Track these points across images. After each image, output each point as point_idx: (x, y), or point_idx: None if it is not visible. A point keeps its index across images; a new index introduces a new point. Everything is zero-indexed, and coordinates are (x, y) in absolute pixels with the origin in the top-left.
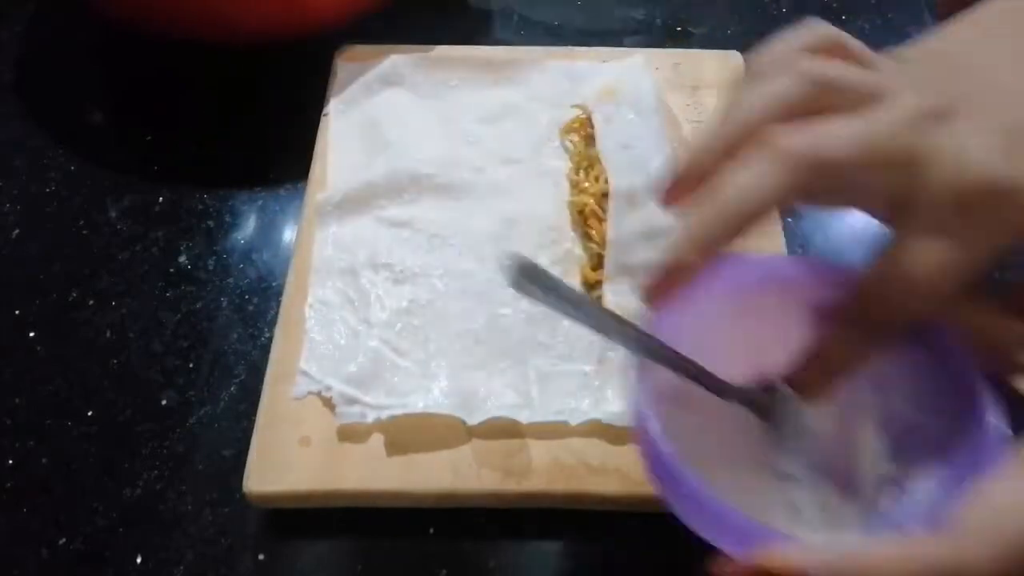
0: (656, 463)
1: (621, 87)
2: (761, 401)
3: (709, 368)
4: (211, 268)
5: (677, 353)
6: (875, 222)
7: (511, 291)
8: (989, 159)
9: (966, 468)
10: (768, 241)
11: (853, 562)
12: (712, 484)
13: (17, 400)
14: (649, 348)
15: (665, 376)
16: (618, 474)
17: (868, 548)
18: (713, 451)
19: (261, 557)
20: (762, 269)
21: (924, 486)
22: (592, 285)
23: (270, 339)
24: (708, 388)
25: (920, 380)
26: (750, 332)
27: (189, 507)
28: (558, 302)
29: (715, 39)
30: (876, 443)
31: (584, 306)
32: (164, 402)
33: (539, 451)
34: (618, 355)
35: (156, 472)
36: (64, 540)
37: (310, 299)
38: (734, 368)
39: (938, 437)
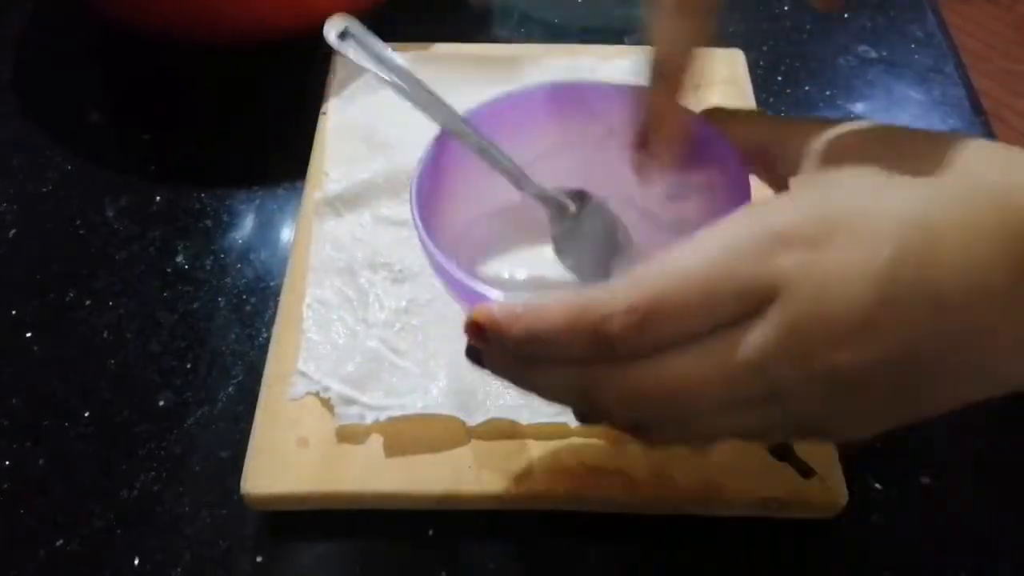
0: (421, 241)
1: None
2: (556, 203)
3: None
4: (209, 268)
5: (489, 139)
6: None
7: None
8: None
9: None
10: None
11: (530, 309)
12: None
13: (14, 401)
14: (463, 129)
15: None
16: (618, 474)
17: (547, 299)
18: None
19: (259, 559)
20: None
21: None
22: None
23: (268, 339)
24: (511, 175)
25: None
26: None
27: (186, 508)
28: (379, 68)
29: (716, 37)
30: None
31: (406, 77)
32: (161, 403)
33: (539, 452)
34: None
35: (153, 473)
36: (61, 541)
37: (308, 299)
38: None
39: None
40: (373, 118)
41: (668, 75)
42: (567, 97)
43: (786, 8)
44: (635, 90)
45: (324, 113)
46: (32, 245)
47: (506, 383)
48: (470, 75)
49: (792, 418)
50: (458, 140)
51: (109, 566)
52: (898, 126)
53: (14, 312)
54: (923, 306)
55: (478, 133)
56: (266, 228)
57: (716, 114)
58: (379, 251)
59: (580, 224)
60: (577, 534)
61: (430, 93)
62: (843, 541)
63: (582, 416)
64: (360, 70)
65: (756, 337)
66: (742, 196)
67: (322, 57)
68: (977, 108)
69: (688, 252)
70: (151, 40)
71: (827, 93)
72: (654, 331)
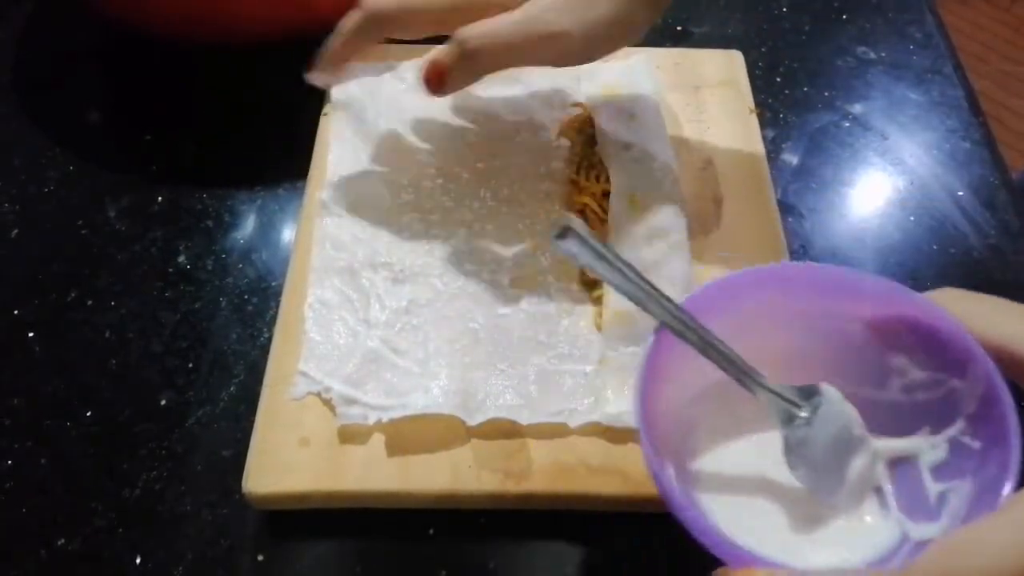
0: (662, 491)
1: (622, 87)
2: (786, 397)
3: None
4: (210, 268)
5: (711, 332)
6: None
7: (511, 291)
8: None
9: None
10: (768, 243)
11: None
12: (713, 496)
13: (16, 400)
14: (685, 323)
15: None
16: (618, 474)
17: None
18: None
19: (260, 558)
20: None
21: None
22: (592, 285)
23: (269, 339)
24: (738, 375)
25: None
26: (782, 344)
27: (188, 508)
28: (600, 264)
29: (715, 39)
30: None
31: (628, 273)
32: (163, 402)
33: (539, 452)
34: (618, 355)
35: (155, 472)
36: (63, 540)
37: (309, 299)
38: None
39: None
40: (374, 119)
41: None
42: (779, 281)
43: (785, 9)
44: (884, 286)
45: (325, 113)
46: (33, 245)
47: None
48: None
49: None
50: (678, 337)
51: (110, 565)
52: None
53: (16, 312)
54: None
55: (700, 329)
56: (267, 228)
57: (950, 299)
58: (380, 251)
59: (814, 427)
60: (577, 534)
61: (651, 287)
62: None
63: None
64: (361, 71)
65: None
66: (1000, 413)
67: None
68: (975, 109)
69: (988, 547)
70: (152, 40)
71: (826, 94)
72: None
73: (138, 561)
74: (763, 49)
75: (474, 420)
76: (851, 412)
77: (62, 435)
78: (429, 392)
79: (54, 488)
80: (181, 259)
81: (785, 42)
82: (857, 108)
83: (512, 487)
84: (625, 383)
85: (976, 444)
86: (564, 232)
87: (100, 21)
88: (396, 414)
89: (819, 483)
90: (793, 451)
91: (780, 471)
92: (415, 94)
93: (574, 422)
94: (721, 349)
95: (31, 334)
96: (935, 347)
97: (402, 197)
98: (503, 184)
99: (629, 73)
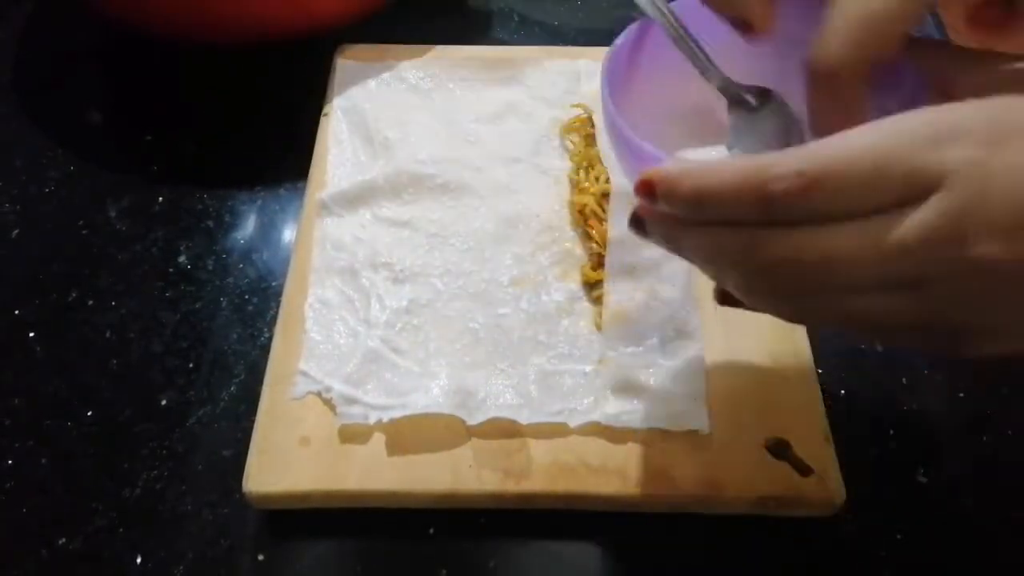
0: (605, 114)
1: None
2: (737, 95)
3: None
4: (211, 268)
5: (683, 26)
6: None
7: (511, 290)
8: None
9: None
10: None
11: (701, 167)
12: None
13: (16, 400)
14: (664, 11)
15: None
16: (618, 474)
17: (717, 161)
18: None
19: (260, 557)
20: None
21: None
22: (592, 285)
23: (270, 339)
24: (697, 58)
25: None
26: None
27: (188, 507)
28: None
29: None
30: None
31: None
32: (164, 402)
33: (539, 451)
34: (618, 355)
35: (155, 472)
36: (63, 540)
37: (310, 299)
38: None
39: None
40: (374, 119)
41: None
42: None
43: None
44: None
45: (326, 114)
46: (34, 245)
47: (665, 249)
48: (470, 76)
49: (931, 310)
50: (655, 24)
51: (111, 565)
52: None
53: (17, 312)
54: None
55: (676, 19)
56: (268, 228)
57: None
58: (380, 251)
59: (757, 120)
60: (577, 534)
61: None
62: (841, 539)
63: (723, 296)
64: (361, 71)
65: (915, 220)
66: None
67: (323, 58)
68: None
69: (865, 132)
70: (152, 40)
71: None
72: (819, 199)
73: (138, 561)
74: None
75: (474, 420)
76: (796, 115)
77: (62, 435)
78: (429, 392)
79: (54, 488)
80: (182, 259)
81: None
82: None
83: (512, 487)
84: (624, 383)
85: None
86: None
87: (100, 21)
88: (396, 414)
89: None
90: (734, 135)
91: None
92: (415, 94)
93: (574, 422)
94: (688, 39)
95: (32, 334)
96: (883, 77)
97: (402, 197)
98: (503, 184)
99: None
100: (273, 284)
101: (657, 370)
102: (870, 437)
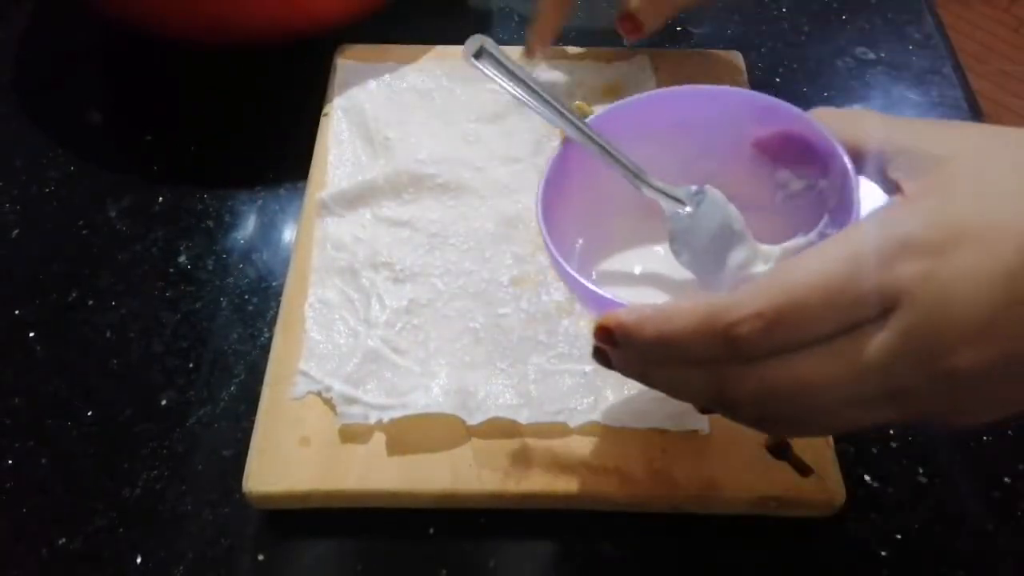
0: (553, 258)
1: (622, 87)
2: (670, 194)
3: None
4: (211, 268)
5: (611, 142)
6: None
7: (511, 290)
8: None
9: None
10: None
11: (659, 312)
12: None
13: (17, 400)
14: (586, 133)
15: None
16: (618, 474)
17: (674, 305)
18: (608, 231)
19: (261, 557)
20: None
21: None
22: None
23: (270, 339)
24: (627, 172)
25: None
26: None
27: (189, 507)
28: (508, 81)
29: (715, 39)
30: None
31: (531, 87)
32: (164, 402)
33: (539, 451)
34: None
35: (156, 472)
36: (63, 540)
37: (310, 299)
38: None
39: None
40: (374, 119)
41: None
42: (678, 102)
43: (784, 10)
44: (741, 93)
45: (326, 114)
46: (34, 245)
47: (634, 381)
48: (470, 76)
49: (916, 412)
50: (580, 145)
51: (111, 565)
52: (1010, 128)
53: (17, 312)
54: None
55: (599, 136)
56: (268, 228)
57: (824, 114)
58: (380, 251)
59: (696, 219)
60: (577, 533)
61: (559, 104)
62: (841, 539)
63: (705, 410)
64: (361, 71)
65: (880, 342)
66: (849, 199)
67: (323, 58)
68: (975, 109)
69: (813, 260)
70: (152, 40)
71: (825, 95)
72: (781, 335)
73: (138, 561)
74: (763, 49)
75: (474, 419)
76: (732, 210)
77: (63, 435)
78: (429, 391)
79: (54, 488)
80: (182, 259)
81: (785, 42)
82: (856, 108)
83: (512, 486)
84: (624, 383)
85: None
86: (479, 52)
87: (100, 21)
88: (396, 413)
89: (701, 269)
90: (677, 239)
91: (675, 270)
92: (415, 94)
93: (574, 422)
94: (614, 154)
95: (32, 334)
96: (807, 154)
97: (402, 197)
98: (503, 184)
99: (629, 73)
100: (273, 284)
101: None
102: (870, 437)
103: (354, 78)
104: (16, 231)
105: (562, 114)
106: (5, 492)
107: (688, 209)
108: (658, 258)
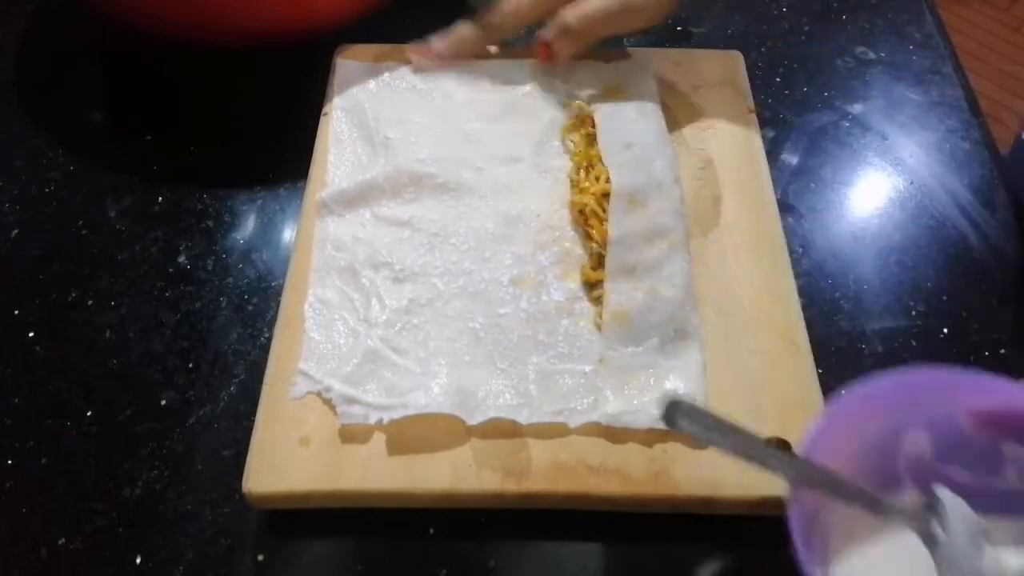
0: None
1: (622, 87)
2: (919, 514)
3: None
4: (210, 268)
5: (835, 475)
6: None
7: (511, 290)
8: None
9: None
10: (768, 243)
11: None
12: None
13: (17, 400)
14: (809, 475)
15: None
16: (618, 474)
17: None
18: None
19: (260, 557)
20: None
21: None
22: (593, 284)
23: (269, 339)
24: (868, 507)
25: None
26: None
27: (189, 507)
28: (717, 436)
29: (715, 39)
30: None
31: (742, 437)
32: (164, 402)
33: (539, 451)
34: (618, 355)
35: (156, 472)
36: (63, 540)
37: (310, 298)
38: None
39: None
40: (374, 119)
41: None
42: (894, 394)
43: (784, 10)
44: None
45: (326, 114)
46: (34, 245)
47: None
48: (471, 75)
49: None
50: (807, 488)
51: (111, 564)
52: None
53: (16, 312)
54: None
55: (824, 475)
56: (268, 228)
57: None
58: (380, 251)
59: (951, 547)
60: (577, 534)
61: (771, 451)
62: None
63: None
64: (361, 71)
65: None
66: None
67: (323, 58)
68: (975, 109)
69: None
70: (152, 40)
71: (825, 94)
72: None
73: (138, 561)
74: (763, 49)
75: (474, 419)
76: (972, 517)
77: (63, 435)
78: (429, 391)
79: (55, 488)
80: (182, 259)
81: (785, 42)
82: (856, 108)
83: (512, 487)
84: (624, 383)
85: None
86: (671, 412)
87: (100, 21)
88: (396, 414)
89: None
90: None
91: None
92: (415, 94)
93: (573, 422)
94: (848, 488)
95: (32, 334)
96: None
97: (402, 197)
98: (503, 184)
99: (629, 73)
100: (273, 284)
101: (657, 370)
102: None
103: (354, 78)
104: (16, 231)
105: (779, 461)
106: (5, 492)
107: (941, 535)
108: (892, 558)
